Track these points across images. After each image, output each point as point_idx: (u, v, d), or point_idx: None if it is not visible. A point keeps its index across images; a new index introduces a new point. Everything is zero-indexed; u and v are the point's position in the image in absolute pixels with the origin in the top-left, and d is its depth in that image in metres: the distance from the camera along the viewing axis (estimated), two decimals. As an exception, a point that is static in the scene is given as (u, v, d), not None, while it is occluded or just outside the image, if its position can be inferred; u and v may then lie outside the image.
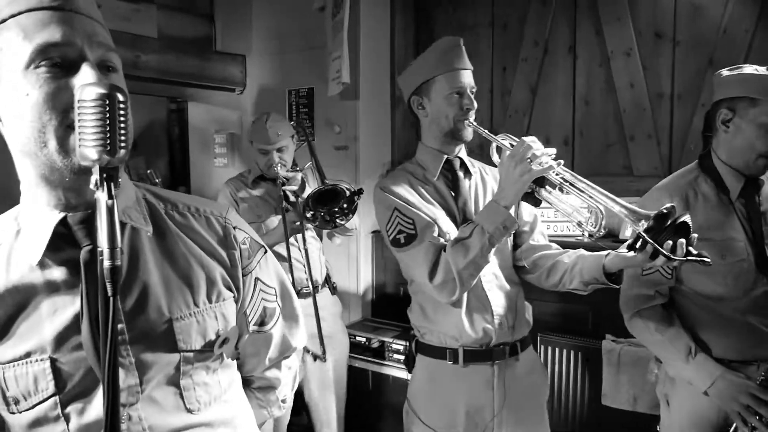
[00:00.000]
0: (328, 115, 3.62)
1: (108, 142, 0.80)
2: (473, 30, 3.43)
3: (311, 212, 2.53)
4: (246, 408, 1.16)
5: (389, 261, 3.45)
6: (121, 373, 0.92)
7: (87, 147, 0.80)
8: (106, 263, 0.80)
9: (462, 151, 1.93)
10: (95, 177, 0.82)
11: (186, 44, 3.78)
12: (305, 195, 2.59)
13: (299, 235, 2.68)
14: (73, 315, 0.92)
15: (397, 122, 3.66)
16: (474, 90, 1.83)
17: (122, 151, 0.81)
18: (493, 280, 1.80)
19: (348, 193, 2.55)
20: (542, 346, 2.89)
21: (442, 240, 1.71)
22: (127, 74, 3.30)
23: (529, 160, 1.56)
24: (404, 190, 1.79)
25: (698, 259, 1.35)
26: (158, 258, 1.01)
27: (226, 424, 1.07)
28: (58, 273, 0.93)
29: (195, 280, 1.03)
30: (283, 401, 1.30)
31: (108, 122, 0.80)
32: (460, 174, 1.88)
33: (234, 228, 1.11)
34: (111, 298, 0.80)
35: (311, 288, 2.64)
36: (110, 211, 0.81)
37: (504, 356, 1.77)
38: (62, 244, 0.93)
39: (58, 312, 0.92)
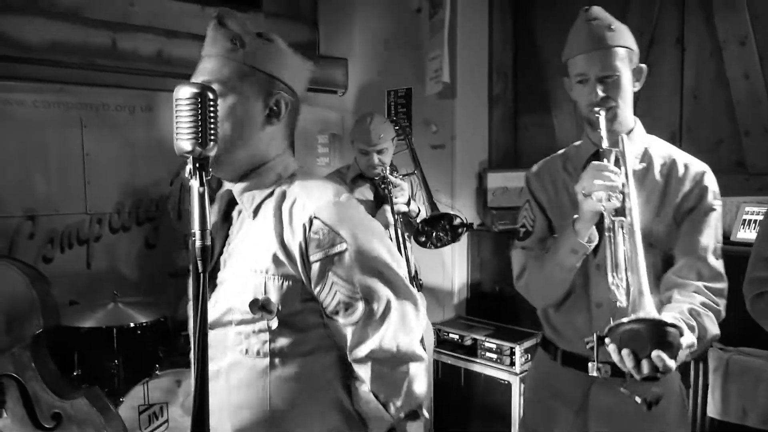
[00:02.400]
0: (425, 114, 3.67)
1: (200, 135, 0.90)
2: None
3: (423, 238, 2.61)
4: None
5: (485, 259, 3.44)
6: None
7: (182, 140, 0.91)
8: (198, 243, 0.91)
9: (629, 142, 1.61)
10: (189, 166, 0.92)
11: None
12: (418, 219, 2.70)
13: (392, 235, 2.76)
14: None
15: (495, 121, 3.64)
16: (609, 76, 1.56)
17: (212, 143, 0.92)
18: None
19: (459, 223, 2.60)
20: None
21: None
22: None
23: (587, 191, 1.45)
24: (540, 184, 1.79)
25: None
26: (252, 232, 1.24)
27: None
28: None
29: (260, 254, 1.20)
30: (391, 403, 1.20)
31: (200, 117, 0.90)
32: None
33: (315, 218, 1.16)
34: (201, 274, 0.90)
35: None
36: (201, 197, 0.92)
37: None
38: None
39: None
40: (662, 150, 1.69)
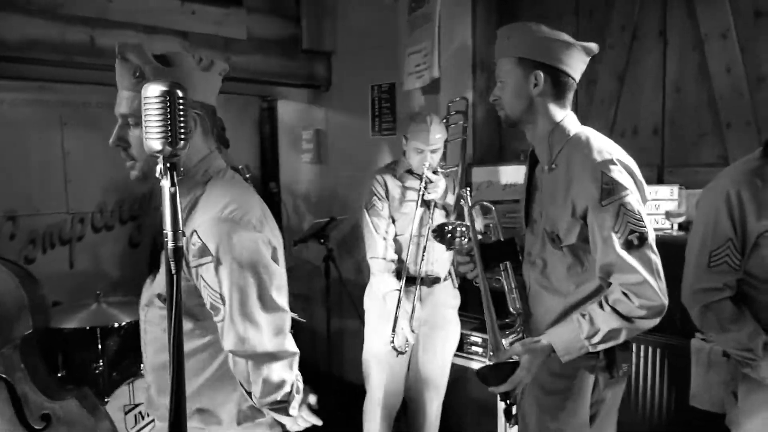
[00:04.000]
0: (409, 109, 3.66)
1: (170, 134, 0.89)
2: (558, 18, 3.34)
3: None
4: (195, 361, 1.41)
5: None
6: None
7: (152, 139, 0.89)
8: (170, 244, 0.89)
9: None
10: (159, 166, 0.91)
11: (274, 45, 3.94)
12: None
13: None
14: None
15: (479, 117, 3.64)
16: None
17: (182, 142, 0.90)
18: None
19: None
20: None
21: None
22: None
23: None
24: None
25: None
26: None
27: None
28: None
29: None
30: (252, 394, 1.37)
31: (169, 116, 0.89)
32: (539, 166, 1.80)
33: (194, 233, 1.32)
34: (174, 275, 0.89)
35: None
36: (173, 197, 0.90)
37: None
38: None
39: None
40: (577, 146, 1.67)
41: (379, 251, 2.83)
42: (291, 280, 3.40)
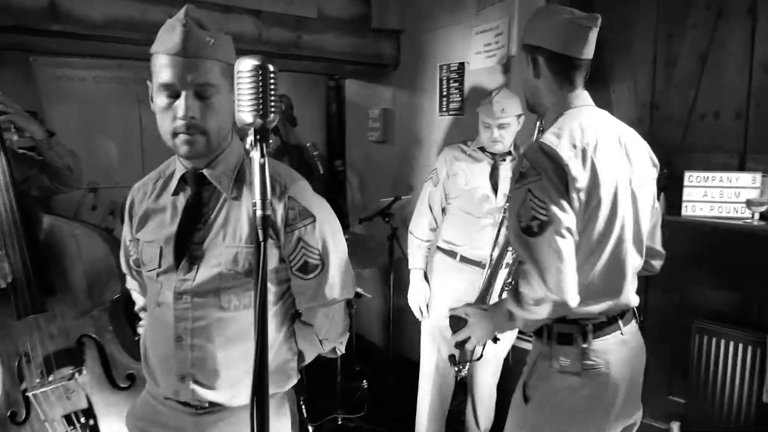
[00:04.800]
0: (478, 89, 3.61)
1: (261, 107, 0.92)
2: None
3: None
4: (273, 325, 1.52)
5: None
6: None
7: (243, 112, 0.93)
8: (259, 212, 0.93)
9: None
10: (250, 138, 0.94)
11: (344, 23, 3.95)
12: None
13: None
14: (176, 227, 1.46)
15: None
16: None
17: (272, 115, 0.93)
18: None
19: None
20: (697, 336, 2.70)
21: None
22: (289, 54, 3.55)
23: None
24: None
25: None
26: (239, 208, 1.44)
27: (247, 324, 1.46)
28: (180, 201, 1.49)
29: (243, 224, 1.43)
30: (326, 339, 1.58)
31: (260, 90, 0.91)
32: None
33: (288, 195, 1.45)
34: (261, 243, 0.93)
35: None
36: (262, 168, 0.94)
37: None
38: (184, 185, 1.49)
39: (171, 223, 1.47)
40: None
41: (419, 229, 2.96)
42: (355, 257, 3.47)
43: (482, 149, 2.84)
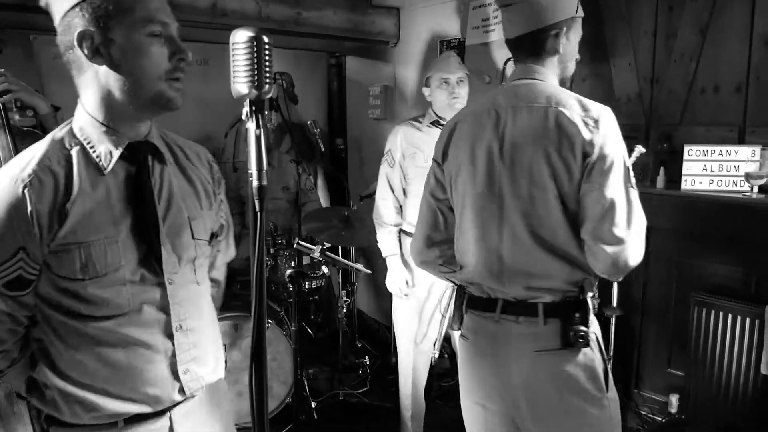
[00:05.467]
0: (478, 64, 3.60)
1: (256, 77, 0.93)
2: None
3: None
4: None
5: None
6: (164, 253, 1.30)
7: (239, 83, 0.94)
8: (255, 183, 0.95)
9: None
10: (245, 109, 0.95)
11: (343, 0, 3.93)
12: None
13: None
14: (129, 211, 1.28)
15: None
16: None
17: (267, 86, 0.94)
18: None
19: None
20: (696, 308, 2.72)
21: None
22: (289, 31, 3.56)
23: None
24: None
25: None
26: (177, 176, 1.37)
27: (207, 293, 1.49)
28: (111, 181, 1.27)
29: (198, 192, 1.42)
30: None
31: (255, 61, 0.92)
32: None
33: (209, 160, 1.51)
34: (258, 213, 0.95)
35: None
36: (258, 139, 0.95)
37: None
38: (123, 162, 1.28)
39: (115, 209, 1.28)
40: None
41: (386, 215, 2.93)
42: (357, 234, 3.49)
43: (435, 123, 2.82)
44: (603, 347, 1.60)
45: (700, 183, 2.78)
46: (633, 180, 1.52)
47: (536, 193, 1.52)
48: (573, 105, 1.55)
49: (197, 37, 3.83)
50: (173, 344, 1.34)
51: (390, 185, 2.90)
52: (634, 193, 1.49)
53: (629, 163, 1.54)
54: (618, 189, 1.46)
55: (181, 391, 1.36)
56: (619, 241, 1.44)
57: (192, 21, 3.24)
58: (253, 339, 0.96)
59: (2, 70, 2.06)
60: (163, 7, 1.20)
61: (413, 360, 2.96)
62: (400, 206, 2.93)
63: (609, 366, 1.60)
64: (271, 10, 3.51)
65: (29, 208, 1.16)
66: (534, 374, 1.55)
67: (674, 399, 2.90)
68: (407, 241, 2.89)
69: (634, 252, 1.47)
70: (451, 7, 3.76)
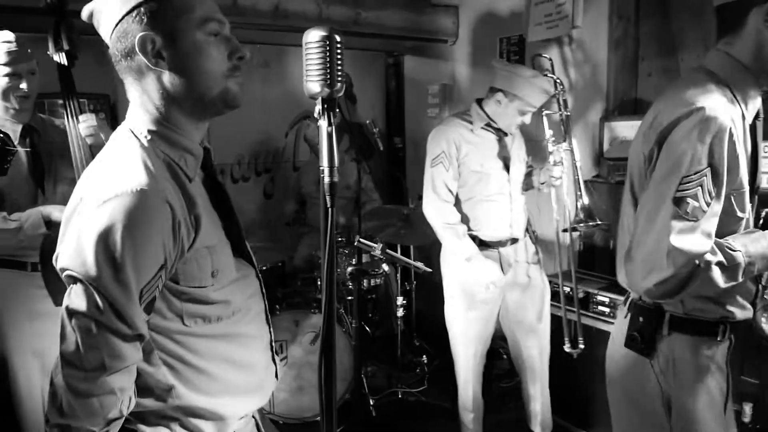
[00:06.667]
0: (539, 61, 3.54)
1: (328, 76, 0.95)
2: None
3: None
4: None
5: (599, 212, 3.31)
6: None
7: (312, 82, 0.96)
8: (326, 179, 0.96)
9: None
10: (318, 107, 0.97)
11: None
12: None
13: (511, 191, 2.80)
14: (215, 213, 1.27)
15: (614, 67, 3.44)
16: None
17: (339, 85, 0.96)
18: None
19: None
20: (772, 311, 2.60)
21: None
22: (348, 31, 3.58)
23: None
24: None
25: None
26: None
27: None
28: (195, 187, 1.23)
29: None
30: None
31: (328, 60, 0.94)
32: None
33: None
34: (330, 209, 0.96)
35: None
36: (329, 136, 0.96)
37: None
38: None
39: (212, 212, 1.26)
40: None
41: (451, 216, 2.82)
42: (415, 232, 3.48)
43: (488, 125, 2.73)
44: None
45: (777, 181, 2.66)
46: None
47: None
48: None
49: (258, 40, 3.92)
50: (270, 330, 1.39)
51: (448, 188, 2.80)
52: None
53: None
54: None
55: (275, 375, 1.40)
56: None
57: (254, 23, 3.31)
58: (323, 333, 0.97)
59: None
60: (216, 7, 1.19)
61: (474, 363, 2.94)
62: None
63: None
64: (332, 11, 3.55)
65: (175, 219, 1.10)
66: None
67: (747, 408, 2.78)
68: None
69: None
70: (510, 3, 3.71)
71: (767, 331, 1.55)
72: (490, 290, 2.76)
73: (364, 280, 3.46)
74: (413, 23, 3.97)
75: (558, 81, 2.80)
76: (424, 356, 3.86)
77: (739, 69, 1.50)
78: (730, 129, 1.40)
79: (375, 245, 2.95)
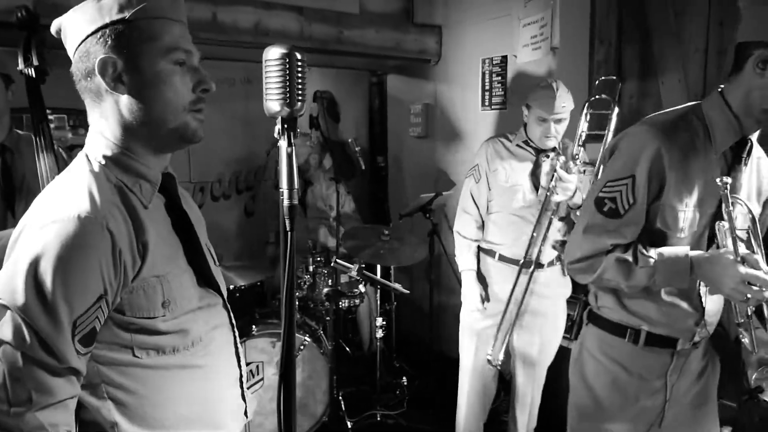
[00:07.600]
0: (522, 82, 3.55)
1: (288, 95, 0.91)
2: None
3: None
4: None
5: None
6: None
7: (271, 101, 0.93)
8: (286, 202, 0.93)
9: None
10: (278, 127, 0.94)
11: (385, 18, 3.94)
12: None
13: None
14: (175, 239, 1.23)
15: (595, 91, 3.46)
16: None
17: (299, 104, 0.93)
18: None
19: None
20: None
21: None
22: (331, 50, 3.56)
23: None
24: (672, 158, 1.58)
25: None
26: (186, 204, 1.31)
27: None
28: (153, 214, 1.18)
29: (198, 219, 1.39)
30: None
31: (287, 78, 0.91)
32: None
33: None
34: (289, 233, 0.93)
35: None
36: (290, 157, 0.94)
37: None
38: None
39: (167, 239, 1.21)
40: None
41: (468, 229, 2.84)
42: (396, 253, 3.45)
43: (525, 143, 2.75)
44: None
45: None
46: None
47: None
48: None
49: (240, 56, 3.90)
50: (239, 365, 1.31)
51: (475, 201, 2.84)
52: None
53: None
54: None
55: (245, 413, 1.33)
56: None
57: (235, 41, 3.29)
58: (282, 355, 0.94)
59: None
60: (186, 36, 1.14)
61: (475, 381, 2.91)
62: (482, 223, 2.86)
63: None
64: (314, 29, 3.54)
65: (116, 247, 1.03)
66: None
67: (727, 432, 2.76)
68: (487, 260, 2.84)
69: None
70: (493, 25, 3.72)
71: (749, 347, 1.68)
72: (473, 309, 2.82)
73: (342, 301, 3.42)
74: (396, 42, 3.97)
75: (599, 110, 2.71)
76: (404, 378, 3.81)
77: (723, 110, 1.57)
78: (661, 150, 1.54)
79: (351, 266, 2.92)
